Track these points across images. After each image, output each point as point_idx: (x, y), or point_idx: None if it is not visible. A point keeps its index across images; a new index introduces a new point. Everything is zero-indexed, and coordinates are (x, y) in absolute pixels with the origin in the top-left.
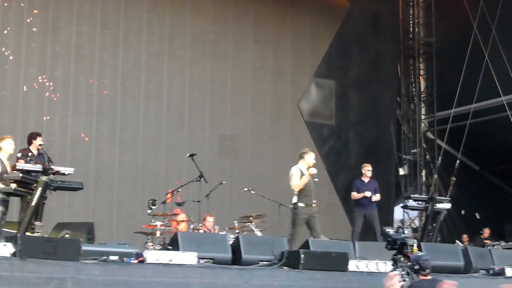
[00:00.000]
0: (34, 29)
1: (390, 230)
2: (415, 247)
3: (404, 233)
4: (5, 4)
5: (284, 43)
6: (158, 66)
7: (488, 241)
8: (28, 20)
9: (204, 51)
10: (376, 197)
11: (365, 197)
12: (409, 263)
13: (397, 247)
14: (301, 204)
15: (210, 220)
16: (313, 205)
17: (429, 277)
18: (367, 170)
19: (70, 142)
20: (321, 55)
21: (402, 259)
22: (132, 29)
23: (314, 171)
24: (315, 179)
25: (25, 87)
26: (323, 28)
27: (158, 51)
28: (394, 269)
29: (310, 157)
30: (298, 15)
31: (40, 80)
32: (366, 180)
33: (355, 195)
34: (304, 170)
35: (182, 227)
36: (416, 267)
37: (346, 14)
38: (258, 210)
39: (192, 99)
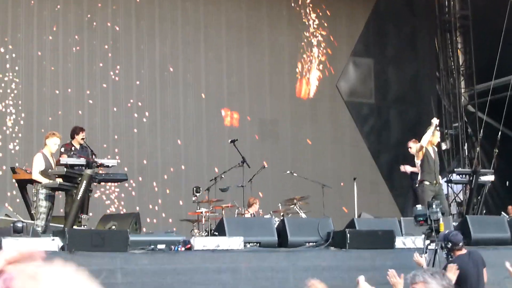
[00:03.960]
0: (69, 25)
1: (418, 206)
2: (441, 222)
3: (432, 207)
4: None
5: (320, 24)
6: (195, 54)
7: None
8: (63, 16)
9: (240, 37)
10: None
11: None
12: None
13: (421, 222)
14: (426, 182)
15: (257, 204)
16: (438, 183)
17: (464, 250)
18: None
19: (112, 134)
20: (357, 34)
21: (433, 234)
22: (167, 19)
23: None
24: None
25: (63, 84)
26: (358, 7)
27: (194, 39)
28: (428, 245)
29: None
30: None
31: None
32: None
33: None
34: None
35: None
36: (449, 245)
37: None
38: (301, 192)
39: (230, 85)
